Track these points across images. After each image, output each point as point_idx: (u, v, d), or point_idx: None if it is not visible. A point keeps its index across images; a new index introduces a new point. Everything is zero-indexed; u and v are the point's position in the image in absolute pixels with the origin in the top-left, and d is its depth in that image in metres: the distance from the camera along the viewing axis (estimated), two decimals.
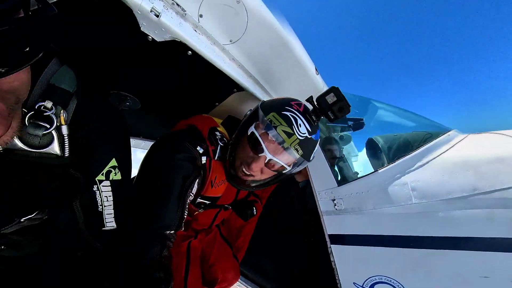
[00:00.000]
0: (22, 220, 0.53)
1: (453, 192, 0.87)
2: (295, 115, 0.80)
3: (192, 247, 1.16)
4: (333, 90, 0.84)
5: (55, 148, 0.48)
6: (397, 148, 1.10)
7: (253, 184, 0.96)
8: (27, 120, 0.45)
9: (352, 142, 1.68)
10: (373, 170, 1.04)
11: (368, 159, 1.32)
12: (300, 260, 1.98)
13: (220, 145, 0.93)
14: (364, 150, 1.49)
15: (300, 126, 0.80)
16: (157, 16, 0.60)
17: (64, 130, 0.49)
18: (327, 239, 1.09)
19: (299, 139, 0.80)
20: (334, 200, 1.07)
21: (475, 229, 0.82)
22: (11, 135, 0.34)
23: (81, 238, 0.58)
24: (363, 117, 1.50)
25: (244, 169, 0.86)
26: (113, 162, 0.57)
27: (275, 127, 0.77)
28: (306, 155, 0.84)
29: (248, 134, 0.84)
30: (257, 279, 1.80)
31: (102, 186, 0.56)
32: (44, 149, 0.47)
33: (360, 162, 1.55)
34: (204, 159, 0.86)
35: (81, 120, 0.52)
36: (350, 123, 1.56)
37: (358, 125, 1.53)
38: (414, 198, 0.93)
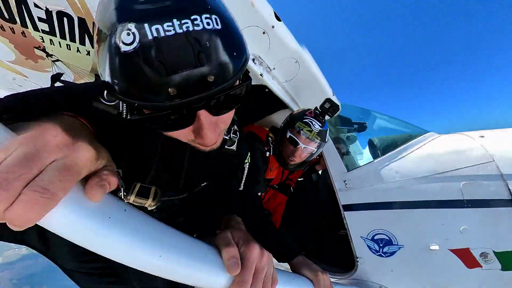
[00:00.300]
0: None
1: (420, 173, 1.39)
2: (311, 120, 1.43)
3: None
4: (328, 100, 1.47)
5: (233, 147, 0.86)
6: (386, 145, 1.62)
7: (295, 165, 1.59)
8: (231, 134, 0.83)
9: (357, 142, 2.20)
10: (370, 161, 1.57)
11: (369, 153, 1.84)
12: (315, 236, 2.51)
13: (272, 146, 1.54)
14: (367, 147, 2.01)
15: (315, 125, 1.43)
16: (261, 75, 1.19)
17: (236, 138, 0.85)
18: (341, 209, 1.61)
19: (315, 131, 1.41)
20: (345, 181, 1.60)
21: (432, 195, 1.34)
22: (216, 146, 0.54)
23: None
24: (365, 122, 2.02)
25: (290, 158, 1.49)
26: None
27: (302, 129, 1.41)
28: (323, 139, 1.47)
29: (288, 137, 1.46)
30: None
31: (245, 165, 0.99)
32: (230, 147, 0.84)
33: (365, 157, 2.07)
34: (267, 154, 1.48)
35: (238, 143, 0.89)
36: (355, 126, 2.08)
37: (361, 128, 2.06)
38: (397, 177, 1.46)
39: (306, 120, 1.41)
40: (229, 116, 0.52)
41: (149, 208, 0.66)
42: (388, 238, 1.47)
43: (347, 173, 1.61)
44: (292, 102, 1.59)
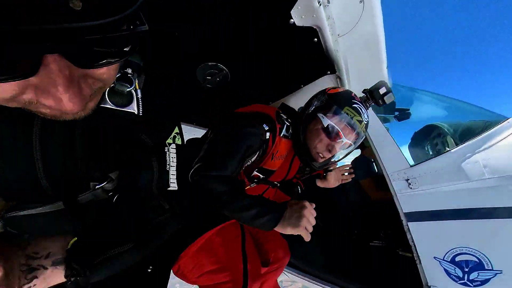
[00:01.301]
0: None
1: None
2: (360, 107, 0.97)
3: None
4: (383, 84, 1.05)
5: (134, 106, 0.56)
6: (462, 133, 1.22)
7: (323, 164, 1.10)
8: (115, 80, 0.51)
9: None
10: (446, 150, 1.16)
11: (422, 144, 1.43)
12: (344, 248, 2.04)
13: (287, 124, 1.04)
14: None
15: (364, 114, 0.97)
16: (322, 4, 0.74)
17: (139, 93, 0.57)
18: (403, 218, 1.18)
19: (364, 123, 0.98)
20: (408, 179, 1.17)
21: None
22: (86, 113, 0.37)
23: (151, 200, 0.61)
24: (409, 108, 1.63)
25: (322, 155, 1.00)
26: (177, 129, 0.66)
27: (352, 118, 0.94)
28: (364, 133, 1.02)
29: (325, 125, 0.97)
30: (302, 266, 1.84)
31: (171, 148, 0.63)
32: (126, 108, 0.54)
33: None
34: (267, 134, 0.96)
35: (150, 89, 0.61)
36: (396, 113, 1.69)
37: (404, 115, 1.66)
38: (486, 174, 1.05)
39: (356, 105, 0.96)
40: (109, 72, 0.35)
41: None
42: (477, 260, 1.04)
43: (411, 169, 1.18)
44: (343, 71, 1.14)
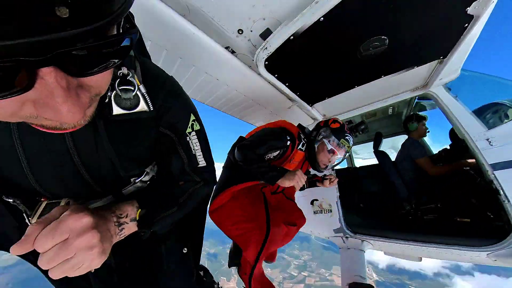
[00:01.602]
0: (139, 180, 0.65)
1: None
2: (349, 137, 1.57)
3: (264, 191, 1.74)
4: (364, 123, 1.95)
5: (143, 105, 0.57)
6: None
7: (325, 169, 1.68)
8: (117, 87, 0.52)
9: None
10: None
11: None
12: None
13: (303, 142, 1.62)
14: None
15: (350, 141, 1.58)
16: None
17: (142, 88, 0.57)
18: (488, 169, 1.50)
19: (350, 146, 1.60)
20: (488, 139, 1.53)
21: None
22: (85, 120, 0.36)
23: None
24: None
25: (324, 163, 1.62)
26: (192, 116, 0.69)
27: (344, 146, 1.56)
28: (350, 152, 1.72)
29: (329, 149, 1.57)
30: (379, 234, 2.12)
31: (192, 136, 0.69)
32: (136, 109, 0.56)
33: None
34: (288, 142, 1.50)
35: (151, 78, 0.60)
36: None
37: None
38: None
39: (347, 137, 1.58)
40: (104, 77, 0.34)
41: None
42: None
43: (489, 131, 1.54)
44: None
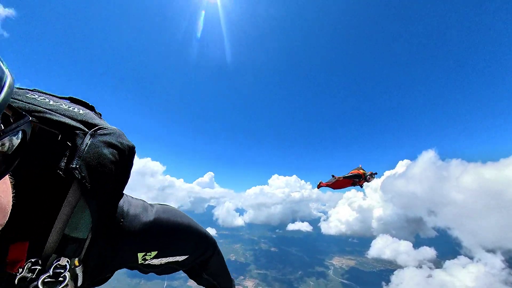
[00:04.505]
0: None
1: None
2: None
3: None
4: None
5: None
6: None
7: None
8: (42, 280, 0.50)
9: None
10: None
11: None
12: None
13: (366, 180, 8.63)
14: None
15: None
16: None
17: (79, 270, 0.54)
18: None
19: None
20: None
21: None
22: None
23: None
24: None
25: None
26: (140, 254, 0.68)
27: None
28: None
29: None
30: None
31: (151, 260, 0.73)
32: None
33: None
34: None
35: (94, 252, 0.57)
36: None
37: None
38: None
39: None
40: None
41: None
42: None
43: None
44: None
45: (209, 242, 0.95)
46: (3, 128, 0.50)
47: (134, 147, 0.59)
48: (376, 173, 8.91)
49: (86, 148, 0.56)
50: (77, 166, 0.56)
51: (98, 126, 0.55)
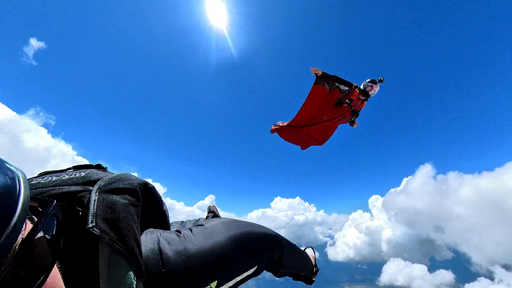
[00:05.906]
0: None
1: None
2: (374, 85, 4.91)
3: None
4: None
5: None
6: None
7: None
8: None
9: None
10: None
11: None
12: None
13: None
14: None
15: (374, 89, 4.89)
16: None
17: None
18: None
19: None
20: None
21: None
22: None
23: None
24: None
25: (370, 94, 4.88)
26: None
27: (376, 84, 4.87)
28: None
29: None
30: None
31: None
32: None
33: None
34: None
35: None
36: None
37: None
38: None
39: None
40: None
41: None
42: None
43: None
44: None
45: (273, 243, 0.80)
46: (36, 219, 0.56)
47: (147, 183, 0.61)
48: (382, 79, 4.51)
49: (95, 203, 0.60)
50: (93, 224, 0.60)
51: (100, 179, 0.59)
